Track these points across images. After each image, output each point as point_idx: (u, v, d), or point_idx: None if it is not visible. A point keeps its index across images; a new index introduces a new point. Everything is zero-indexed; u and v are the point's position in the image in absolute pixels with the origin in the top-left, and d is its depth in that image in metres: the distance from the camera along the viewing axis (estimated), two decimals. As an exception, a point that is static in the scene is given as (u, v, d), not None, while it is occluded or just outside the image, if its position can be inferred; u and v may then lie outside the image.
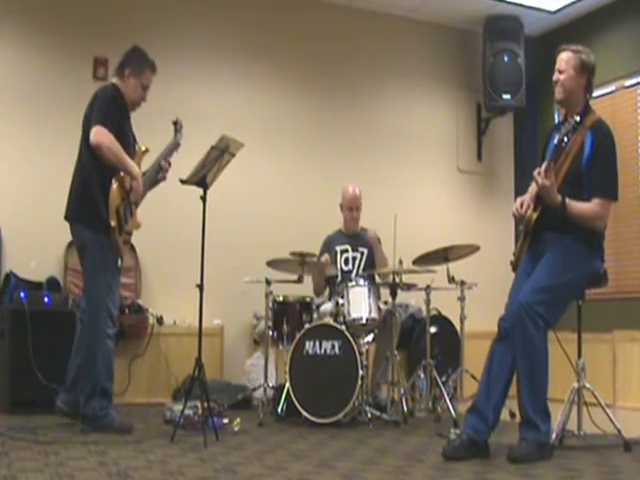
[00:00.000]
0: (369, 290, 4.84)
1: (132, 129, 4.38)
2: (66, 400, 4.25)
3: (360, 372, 4.52)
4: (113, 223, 4.07)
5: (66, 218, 4.25)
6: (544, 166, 3.55)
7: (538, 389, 3.49)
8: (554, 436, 3.66)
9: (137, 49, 4.37)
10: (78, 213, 4.20)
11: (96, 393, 4.08)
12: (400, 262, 4.96)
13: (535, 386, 3.49)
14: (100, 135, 4.02)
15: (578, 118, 3.62)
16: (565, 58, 3.72)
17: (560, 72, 3.72)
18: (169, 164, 4.39)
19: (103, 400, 4.11)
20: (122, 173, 4.15)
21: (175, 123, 4.44)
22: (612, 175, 3.65)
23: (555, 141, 3.76)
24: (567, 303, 3.68)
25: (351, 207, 5.61)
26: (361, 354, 4.62)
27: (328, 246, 5.68)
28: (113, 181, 4.09)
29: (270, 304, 5.00)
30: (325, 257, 5.46)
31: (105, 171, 4.10)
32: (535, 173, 3.58)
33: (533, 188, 3.72)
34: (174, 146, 4.41)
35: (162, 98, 6.17)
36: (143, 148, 4.40)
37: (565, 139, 3.66)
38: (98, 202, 4.09)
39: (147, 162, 4.41)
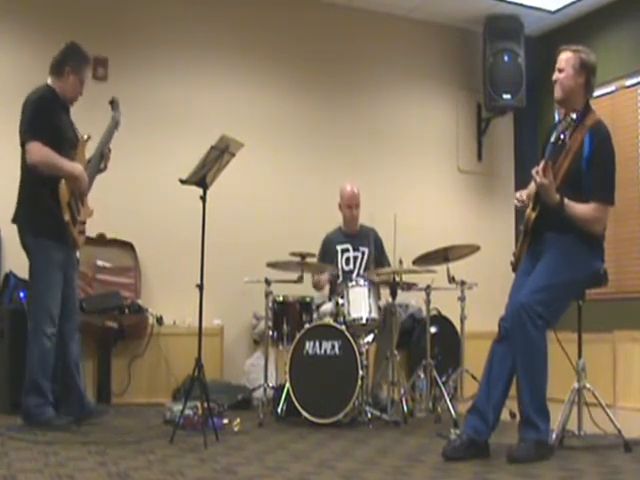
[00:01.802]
0: (369, 290, 4.83)
1: (72, 122, 4.47)
2: (69, 411, 4.33)
3: (360, 372, 4.51)
4: (67, 217, 4.20)
5: (13, 222, 4.38)
6: (542, 165, 3.55)
7: (537, 389, 3.49)
8: (554, 436, 3.67)
9: (73, 45, 4.43)
10: (19, 218, 4.33)
11: (33, 390, 4.19)
12: (400, 262, 4.96)
13: (535, 386, 3.48)
14: (33, 155, 4.18)
15: (574, 115, 3.62)
16: (565, 57, 3.72)
17: (560, 71, 3.72)
18: (109, 150, 4.53)
19: (39, 398, 4.19)
20: None
21: (111, 102, 4.54)
22: (609, 180, 3.63)
23: (553, 139, 3.76)
24: (567, 303, 3.68)
25: (350, 205, 5.61)
26: (361, 354, 4.61)
27: (328, 245, 5.69)
28: (59, 181, 4.21)
29: (270, 304, 5.00)
30: (325, 276, 5.47)
31: (52, 176, 4.23)
32: (533, 172, 3.58)
33: (532, 187, 3.72)
34: (113, 127, 4.52)
35: (162, 98, 6.20)
36: (85, 137, 4.48)
37: (562, 137, 3.66)
38: (42, 204, 4.22)
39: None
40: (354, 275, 5.45)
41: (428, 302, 5.23)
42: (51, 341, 4.25)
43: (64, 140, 4.30)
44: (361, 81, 6.99)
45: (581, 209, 3.56)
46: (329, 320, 4.83)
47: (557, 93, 3.75)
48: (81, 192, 4.31)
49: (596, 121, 3.66)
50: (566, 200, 3.53)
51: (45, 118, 4.24)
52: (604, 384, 5.67)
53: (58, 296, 4.29)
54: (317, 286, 5.52)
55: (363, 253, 5.60)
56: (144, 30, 6.25)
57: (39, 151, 4.18)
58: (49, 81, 4.40)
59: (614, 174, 3.65)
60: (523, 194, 3.77)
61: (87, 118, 5.73)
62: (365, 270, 5.48)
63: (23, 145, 4.27)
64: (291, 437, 4.15)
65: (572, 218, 3.55)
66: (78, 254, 4.54)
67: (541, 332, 3.48)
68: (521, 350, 3.48)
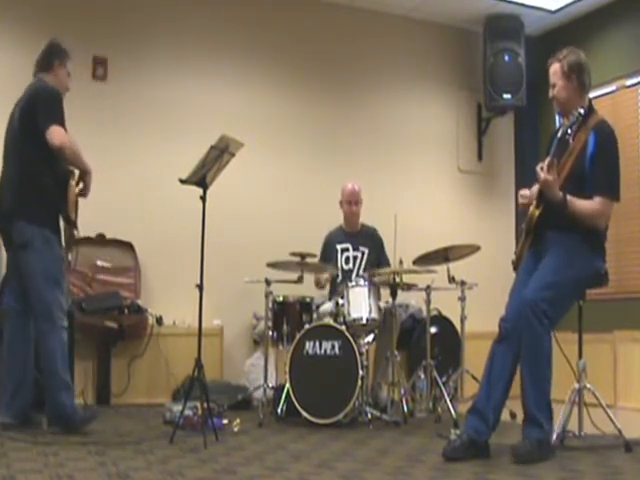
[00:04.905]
0: (369, 290, 4.83)
1: None
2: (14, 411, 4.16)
3: (360, 372, 4.51)
4: (73, 216, 4.15)
5: (2, 215, 4.15)
6: (547, 161, 3.55)
7: (542, 387, 3.48)
8: (555, 436, 3.66)
9: (55, 41, 4.35)
10: (20, 209, 4.10)
11: (63, 387, 4.03)
12: (400, 262, 4.95)
13: (539, 384, 3.48)
14: (61, 136, 4.03)
15: (582, 110, 3.61)
16: (552, 71, 3.75)
17: (553, 87, 3.75)
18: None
19: (69, 393, 4.06)
20: (76, 171, 4.21)
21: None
22: (614, 175, 3.64)
23: (559, 134, 3.75)
24: (570, 302, 3.68)
25: (350, 201, 5.61)
26: (361, 354, 4.61)
27: (329, 244, 5.69)
28: (71, 178, 4.16)
29: (270, 304, 4.99)
30: (326, 275, 5.48)
31: (58, 167, 4.14)
32: (538, 168, 3.58)
33: (537, 187, 3.71)
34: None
35: (162, 98, 6.19)
36: None
37: (569, 131, 3.66)
38: (49, 197, 4.11)
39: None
40: (353, 274, 5.45)
41: (428, 302, 5.23)
42: (66, 332, 4.13)
43: None
44: (361, 81, 6.99)
45: (584, 204, 3.56)
46: (329, 320, 4.83)
47: (557, 107, 3.79)
48: (88, 191, 4.22)
49: (599, 121, 3.67)
50: (569, 197, 3.54)
51: (61, 110, 4.12)
52: (604, 384, 5.66)
53: (65, 288, 4.20)
54: (318, 284, 5.52)
55: (363, 253, 5.59)
56: (144, 30, 6.24)
57: (65, 135, 4.04)
58: (42, 77, 4.26)
59: (619, 170, 3.66)
60: (527, 191, 3.77)
61: (86, 118, 5.77)
62: (364, 270, 5.47)
63: (30, 134, 4.08)
64: (291, 437, 4.15)
65: (575, 215, 3.55)
66: (70, 257, 4.47)
67: (546, 330, 3.48)
68: (526, 347, 3.47)
